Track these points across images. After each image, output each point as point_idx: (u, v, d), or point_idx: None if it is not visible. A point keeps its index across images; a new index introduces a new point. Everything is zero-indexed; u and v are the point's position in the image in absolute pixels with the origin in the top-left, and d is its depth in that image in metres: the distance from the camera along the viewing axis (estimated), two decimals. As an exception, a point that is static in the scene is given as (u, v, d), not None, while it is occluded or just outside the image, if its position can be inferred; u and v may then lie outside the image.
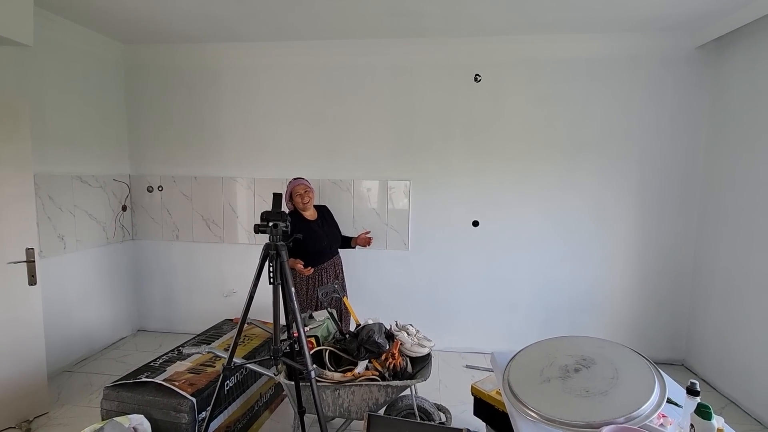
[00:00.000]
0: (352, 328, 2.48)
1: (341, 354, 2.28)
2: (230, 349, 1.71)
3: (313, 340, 2.23)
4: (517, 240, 3.61)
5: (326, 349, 2.22)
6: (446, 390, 3.10)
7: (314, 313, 2.49)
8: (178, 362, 2.35)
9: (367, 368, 2.20)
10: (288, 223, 1.69)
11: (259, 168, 3.82)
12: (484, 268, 3.68)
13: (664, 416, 1.39)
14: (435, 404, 2.45)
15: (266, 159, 3.80)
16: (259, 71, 3.72)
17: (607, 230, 3.51)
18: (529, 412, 1.46)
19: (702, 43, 3.16)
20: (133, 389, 2.12)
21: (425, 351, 2.35)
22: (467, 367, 3.47)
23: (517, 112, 3.49)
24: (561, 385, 1.52)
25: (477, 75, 3.49)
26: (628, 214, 3.48)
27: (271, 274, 1.65)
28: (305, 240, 2.90)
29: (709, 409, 1.00)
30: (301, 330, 1.67)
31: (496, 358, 1.92)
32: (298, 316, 1.67)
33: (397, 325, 2.47)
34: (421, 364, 2.32)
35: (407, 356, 2.31)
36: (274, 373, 1.77)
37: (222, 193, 3.90)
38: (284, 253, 1.67)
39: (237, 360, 1.98)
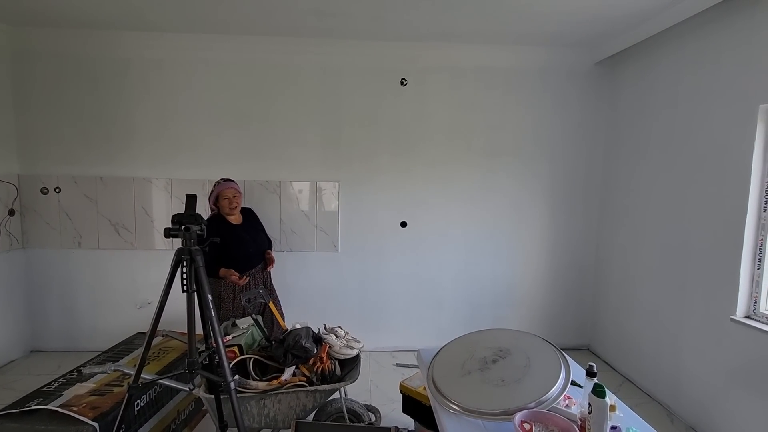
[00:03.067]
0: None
1: (267, 362, 2.20)
2: (137, 365, 1.56)
3: (236, 349, 2.12)
4: (443, 240, 3.75)
5: (250, 358, 2.12)
6: (377, 390, 3.12)
7: (238, 321, 2.37)
8: (78, 384, 2.10)
9: (294, 374, 2.14)
10: (203, 227, 1.58)
11: (177, 168, 3.56)
12: (413, 267, 3.77)
13: (569, 398, 1.52)
14: (365, 405, 2.45)
15: (185, 159, 3.55)
16: (176, 64, 3.47)
17: (523, 229, 3.78)
18: (451, 404, 1.52)
19: (599, 60, 3.53)
20: (20, 419, 1.85)
21: (354, 353, 2.34)
22: (397, 365, 3.53)
23: (441, 117, 3.63)
24: (480, 377, 1.60)
25: (403, 79, 3.57)
26: (541, 214, 3.77)
27: (185, 281, 1.53)
28: (231, 246, 2.78)
29: (603, 388, 1.11)
30: (219, 340, 1.57)
31: (422, 355, 1.97)
32: (216, 325, 1.58)
33: (325, 328, 2.44)
34: (350, 366, 2.31)
35: (336, 359, 2.29)
36: (190, 387, 1.64)
37: (133, 195, 3.57)
38: (199, 259, 1.56)
39: (148, 376, 1.82)
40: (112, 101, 3.48)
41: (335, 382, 2.16)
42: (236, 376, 1.98)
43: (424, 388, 2.36)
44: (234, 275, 2.69)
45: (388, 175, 3.66)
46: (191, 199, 1.58)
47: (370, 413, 2.42)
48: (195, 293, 1.55)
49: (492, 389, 1.52)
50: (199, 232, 1.56)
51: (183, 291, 1.52)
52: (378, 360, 3.59)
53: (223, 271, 2.72)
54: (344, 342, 2.36)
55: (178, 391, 2.36)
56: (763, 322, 2.31)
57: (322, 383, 2.13)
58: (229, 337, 2.18)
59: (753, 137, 2.33)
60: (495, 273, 3.80)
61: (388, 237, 3.73)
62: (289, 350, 2.11)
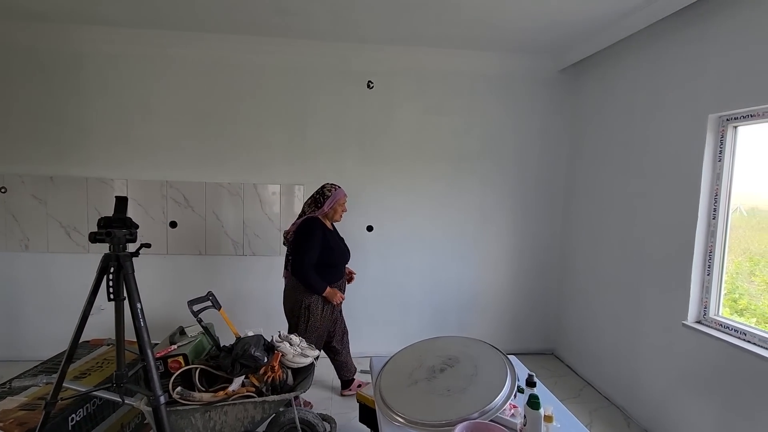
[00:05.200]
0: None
1: (215, 372, 2.10)
2: (56, 379, 1.45)
3: (180, 359, 2.02)
4: (410, 244, 3.72)
5: (196, 368, 2.03)
6: (338, 398, 3.06)
7: (187, 329, 2.27)
8: (8, 398, 1.97)
9: (243, 385, 2.06)
10: (133, 231, 1.49)
11: (134, 169, 3.42)
12: (379, 272, 3.72)
13: (514, 406, 1.50)
14: (320, 414, 2.38)
15: (143, 159, 3.42)
16: (134, 61, 3.34)
17: (489, 234, 3.79)
18: (396, 416, 1.47)
19: (563, 68, 3.58)
20: (-63, 438, 1.71)
21: (308, 361, 2.27)
22: (362, 372, 3.46)
23: (408, 121, 3.61)
24: (426, 387, 1.56)
25: (370, 82, 3.53)
26: (506, 219, 3.79)
27: (111, 289, 1.44)
28: (336, 253, 2.74)
29: (538, 399, 1.08)
30: (149, 351, 1.48)
31: (374, 363, 1.93)
32: (146, 335, 1.49)
33: (280, 335, 2.36)
34: (303, 375, 2.24)
35: (289, 368, 2.21)
36: (121, 399, 1.54)
37: (87, 196, 3.41)
38: (128, 265, 1.47)
39: (82, 388, 1.71)
40: (65, 98, 3.32)
41: (286, 392, 2.09)
42: (179, 388, 1.89)
43: (381, 397, 2.32)
44: (341, 298, 2.69)
45: (355, 178, 3.61)
46: (121, 202, 1.49)
47: (325, 423, 2.35)
48: (123, 302, 1.46)
49: (437, 399, 1.48)
50: (128, 237, 1.47)
51: (109, 300, 1.43)
52: (342, 367, 3.52)
53: (330, 291, 2.64)
54: (299, 350, 2.29)
55: (121, 403, 2.24)
56: (712, 328, 2.36)
57: (272, 393, 2.06)
58: (174, 347, 2.08)
59: (703, 146, 2.39)
60: (461, 278, 3.79)
61: (354, 241, 3.66)
62: (238, 359, 2.02)
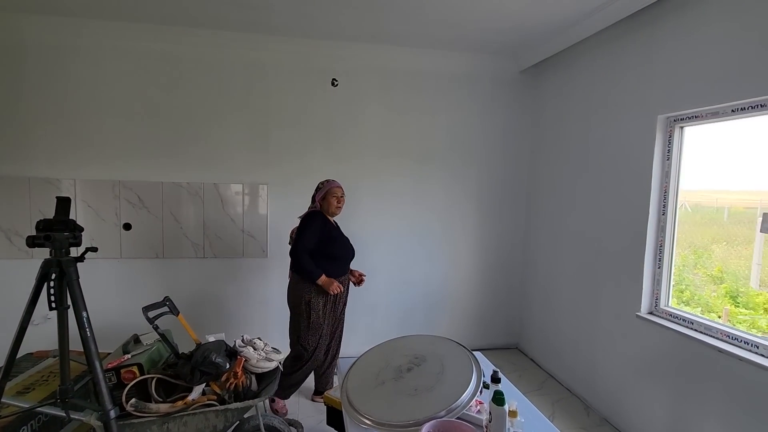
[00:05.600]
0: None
1: (173, 381, 2.00)
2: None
3: (135, 369, 1.91)
4: (376, 243, 3.70)
5: (152, 378, 1.93)
6: (306, 402, 3.00)
7: (142, 336, 2.15)
8: (-63, 419, 1.79)
9: (204, 393, 1.97)
10: (77, 234, 1.39)
11: (82, 168, 3.21)
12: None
13: (480, 402, 1.51)
14: (287, 420, 2.33)
15: (92, 158, 3.21)
16: (80, 52, 3.13)
17: (455, 232, 3.83)
18: (363, 419, 1.45)
19: (523, 68, 3.68)
20: None
21: (273, 365, 2.21)
22: (329, 373, 3.42)
23: (374, 119, 3.59)
24: (394, 387, 1.55)
25: (334, 80, 3.49)
26: (471, 217, 3.85)
27: (53, 297, 1.33)
28: (337, 246, 2.70)
29: (503, 395, 1.09)
30: (97, 363, 1.39)
31: (340, 365, 1.89)
32: (93, 346, 1.39)
33: (243, 340, 2.29)
34: (269, 380, 2.18)
35: (253, 373, 2.14)
36: (66, 414, 1.44)
37: (30, 197, 3.16)
38: (72, 271, 1.37)
39: (24, 404, 1.58)
40: (5, 91, 3.07)
41: (250, 398, 2.02)
42: (133, 400, 1.78)
43: (348, 398, 2.29)
44: (338, 288, 2.59)
45: (320, 177, 3.52)
46: (62, 203, 1.38)
47: (291, 428, 2.30)
48: (67, 311, 1.35)
49: (404, 400, 1.47)
50: (72, 240, 1.37)
51: (51, 308, 1.32)
52: (309, 369, 3.46)
53: (325, 279, 2.58)
54: (263, 354, 2.22)
55: (71, 420, 2.10)
56: (663, 318, 2.49)
57: (235, 400, 1.98)
58: (128, 356, 1.96)
59: (653, 145, 2.51)
60: (427, 276, 3.82)
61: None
62: (198, 367, 1.94)
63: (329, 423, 2.37)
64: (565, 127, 3.36)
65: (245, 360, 2.13)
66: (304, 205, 3.54)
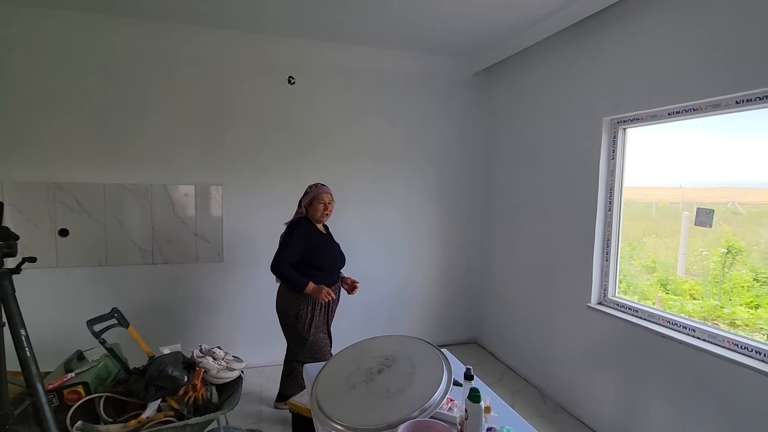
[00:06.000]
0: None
1: (124, 398, 1.86)
2: None
3: (80, 388, 1.76)
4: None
5: (100, 397, 1.78)
6: (269, 409, 2.90)
7: (86, 353, 1.98)
8: None
9: (160, 409, 1.85)
10: (13, 244, 1.25)
11: (12, 169, 2.90)
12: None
13: (451, 400, 1.53)
14: (249, 430, 2.24)
15: (23, 157, 2.91)
16: (7, 42, 2.82)
17: (415, 230, 3.87)
18: (335, 425, 1.42)
19: (477, 71, 3.78)
20: None
21: (235, 374, 2.13)
22: (291, 379, 3.33)
23: (332, 118, 3.54)
24: (365, 390, 1.53)
25: (291, 77, 3.40)
26: (431, 216, 3.91)
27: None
28: (323, 255, 2.50)
29: (478, 393, 1.11)
30: (38, 385, 1.25)
31: (308, 372, 1.85)
32: (33, 366, 1.26)
33: (201, 350, 2.18)
34: (230, 390, 2.08)
35: (214, 384, 2.04)
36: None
37: (-56, 202, 2.81)
38: (7, 285, 1.23)
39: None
40: None
41: (211, 411, 1.92)
42: (79, 422, 1.64)
43: (315, 404, 2.24)
44: (329, 295, 2.40)
45: (279, 177, 3.46)
46: (-6, 210, 1.23)
47: (255, 438, 2.22)
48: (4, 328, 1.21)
49: (377, 402, 1.46)
50: (6, 250, 1.22)
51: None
52: (270, 376, 3.36)
53: (312, 287, 2.41)
54: (223, 363, 2.13)
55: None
56: (611, 308, 2.66)
57: (195, 414, 1.88)
58: (71, 375, 1.80)
59: (599, 145, 2.67)
60: (388, 274, 3.83)
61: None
62: (152, 382, 1.82)
63: (295, 430, 2.32)
64: (518, 127, 3.50)
65: (205, 371, 2.03)
66: (261, 207, 3.44)
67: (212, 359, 2.11)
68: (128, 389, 1.86)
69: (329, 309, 2.65)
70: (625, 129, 2.65)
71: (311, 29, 3.13)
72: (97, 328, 1.94)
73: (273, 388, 3.18)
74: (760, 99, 1.90)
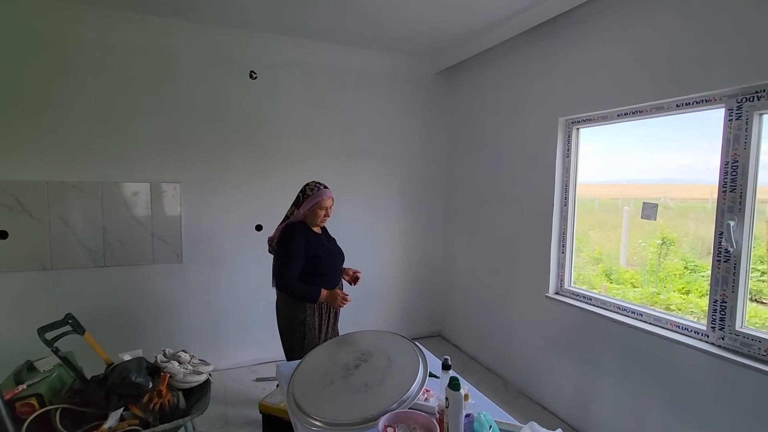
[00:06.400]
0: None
1: (83, 409, 1.75)
2: None
3: (33, 400, 1.64)
4: (303, 242, 3.61)
5: (56, 409, 1.66)
6: (235, 412, 2.83)
7: (36, 363, 1.84)
8: None
9: (122, 419, 1.76)
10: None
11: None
12: (270, 274, 3.54)
13: (427, 391, 1.57)
14: (218, 434, 2.18)
15: (-52, 152, 2.64)
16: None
17: (380, 227, 3.91)
18: (314, 422, 1.42)
19: (440, 70, 3.87)
20: None
21: (203, 378, 2.06)
22: (257, 380, 3.27)
23: (296, 115, 3.49)
24: (343, 385, 1.54)
25: (252, 72, 3.31)
26: (396, 212, 3.96)
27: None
28: (325, 259, 2.30)
29: (458, 381, 1.16)
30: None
31: (281, 370, 1.83)
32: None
33: (165, 354, 2.09)
34: (198, 395, 2.02)
35: (180, 389, 1.97)
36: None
37: None
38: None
39: None
40: None
41: (179, 417, 1.85)
42: (34, 438, 1.53)
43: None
44: (345, 300, 2.28)
45: (240, 175, 3.36)
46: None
47: (225, 442, 2.16)
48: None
49: (355, 397, 1.48)
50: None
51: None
52: (236, 378, 3.27)
53: (326, 294, 2.26)
54: (190, 367, 2.05)
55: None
56: (568, 297, 2.83)
57: (161, 422, 1.81)
58: (23, 387, 1.67)
59: (555, 144, 2.83)
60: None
61: (241, 242, 3.43)
62: (115, 390, 1.72)
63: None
64: (479, 126, 3.62)
65: (170, 376, 1.95)
66: (223, 205, 3.34)
67: (178, 363, 2.03)
68: (87, 399, 1.75)
69: (336, 313, 2.51)
70: (578, 129, 2.82)
71: (273, 23, 3.07)
72: (50, 336, 1.81)
73: (239, 390, 3.11)
74: (696, 103, 2.09)
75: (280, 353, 3.54)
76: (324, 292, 2.26)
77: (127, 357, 1.95)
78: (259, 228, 3.46)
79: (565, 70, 2.73)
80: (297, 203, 2.40)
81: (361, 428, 1.37)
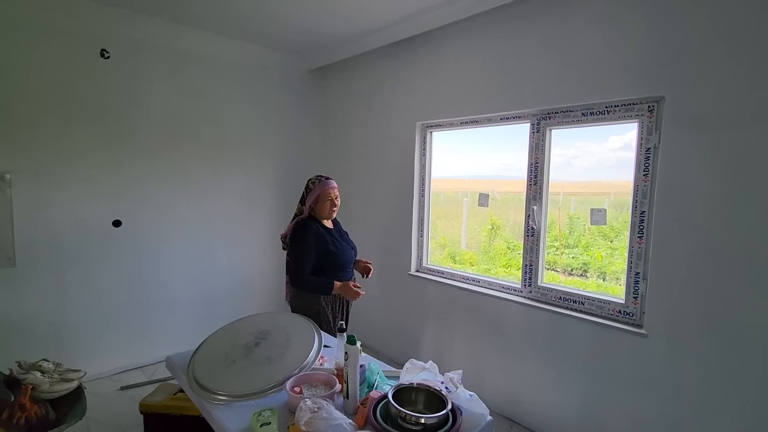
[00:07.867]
0: None
1: None
2: None
3: None
4: (170, 237, 3.43)
5: None
6: (99, 426, 2.60)
7: None
8: None
9: (-24, 440, 1.56)
10: None
11: None
12: (134, 273, 3.28)
13: (323, 357, 1.82)
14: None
15: None
16: None
17: (256, 219, 3.93)
18: (219, 397, 1.54)
19: (311, 69, 4.07)
20: None
21: (73, 385, 1.91)
22: (122, 389, 3.03)
23: (161, 102, 3.28)
24: (246, 362, 1.68)
25: (104, 51, 2.99)
26: (271, 207, 4.03)
27: None
28: (338, 253, 2.34)
29: (354, 336, 1.43)
30: None
31: (174, 361, 1.84)
32: None
33: (21, 366, 1.86)
34: (71, 402, 1.86)
35: (48, 399, 1.80)
36: None
37: None
38: None
39: None
40: None
41: (50, 428, 1.71)
42: None
43: (172, 397, 2.20)
44: (358, 292, 2.31)
45: (92, 164, 3.02)
46: None
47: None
48: None
49: (260, 369, 1.63)
50: None
51: None
52: (95, 391, 2.95)
53: (341, 285, 2.29)
54: (56, 376, 1.88)
55: None
56: (426, 273, 3.38)
57: (29, 436, 1.64)
58: None
59: (413, 145, 3.33)
60: (230, 265, 3.80)
61: (95, 240, 3.08)
62: (-34, 409, 1.51)
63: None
64: (349, 125, 3.95)
65: (33, 387, 1.77)
66: (72, 198, 2.95)
67: (40, 373, 1.84)
68: None
69: (349, 306, 2.56)
70: (431, 132, 3.37)
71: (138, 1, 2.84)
72: None
73: (99, 402, 2.84)
74: (512, 118, 2.78)
75: (147, 357, 3.33)
76: (337, 284, 2.30)
77: (-30, 374, 1.69)
78: (117, 224, 3.16)
79: (422, 80, 3.23)
80: (302, 200, 2.43)
81: (267, 395, 1.55)
